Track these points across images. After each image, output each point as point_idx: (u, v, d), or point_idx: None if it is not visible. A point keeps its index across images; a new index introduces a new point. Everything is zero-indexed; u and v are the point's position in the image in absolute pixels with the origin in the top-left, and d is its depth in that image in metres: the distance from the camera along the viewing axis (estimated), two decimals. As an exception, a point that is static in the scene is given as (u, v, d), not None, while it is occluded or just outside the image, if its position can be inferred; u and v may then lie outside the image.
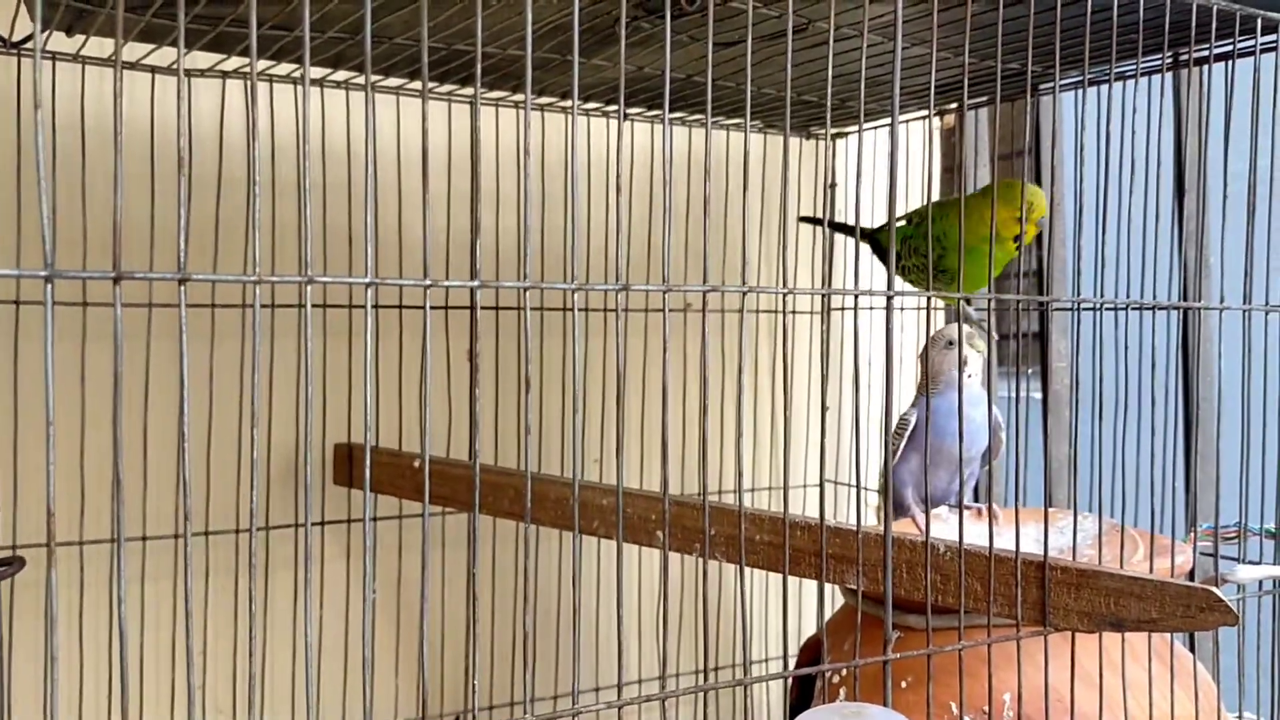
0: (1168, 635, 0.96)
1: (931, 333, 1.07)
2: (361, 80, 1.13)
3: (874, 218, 1.34)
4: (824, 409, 0.80)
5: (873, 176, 1.37)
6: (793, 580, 0.84)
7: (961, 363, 1.03)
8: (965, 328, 1.06)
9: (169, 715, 1.10)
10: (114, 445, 0.49)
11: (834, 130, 1.41)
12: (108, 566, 1.07)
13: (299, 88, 1.10)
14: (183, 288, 0.50)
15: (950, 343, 1.06)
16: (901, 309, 1.36)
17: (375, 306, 0.56)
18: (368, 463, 0.58)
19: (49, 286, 0.47)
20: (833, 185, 1.41)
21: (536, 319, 1.25)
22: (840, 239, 1.42)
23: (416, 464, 1.09)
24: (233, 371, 1.12)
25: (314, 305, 1.15)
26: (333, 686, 1.16)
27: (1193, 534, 0.98)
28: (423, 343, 0.59)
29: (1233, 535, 0.99)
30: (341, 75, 1.12)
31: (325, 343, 1.16)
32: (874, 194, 1.38)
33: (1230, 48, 1.02)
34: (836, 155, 1.41)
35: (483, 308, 1.18)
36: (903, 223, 1.18)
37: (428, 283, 0.57)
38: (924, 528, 1.01)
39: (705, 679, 0.69)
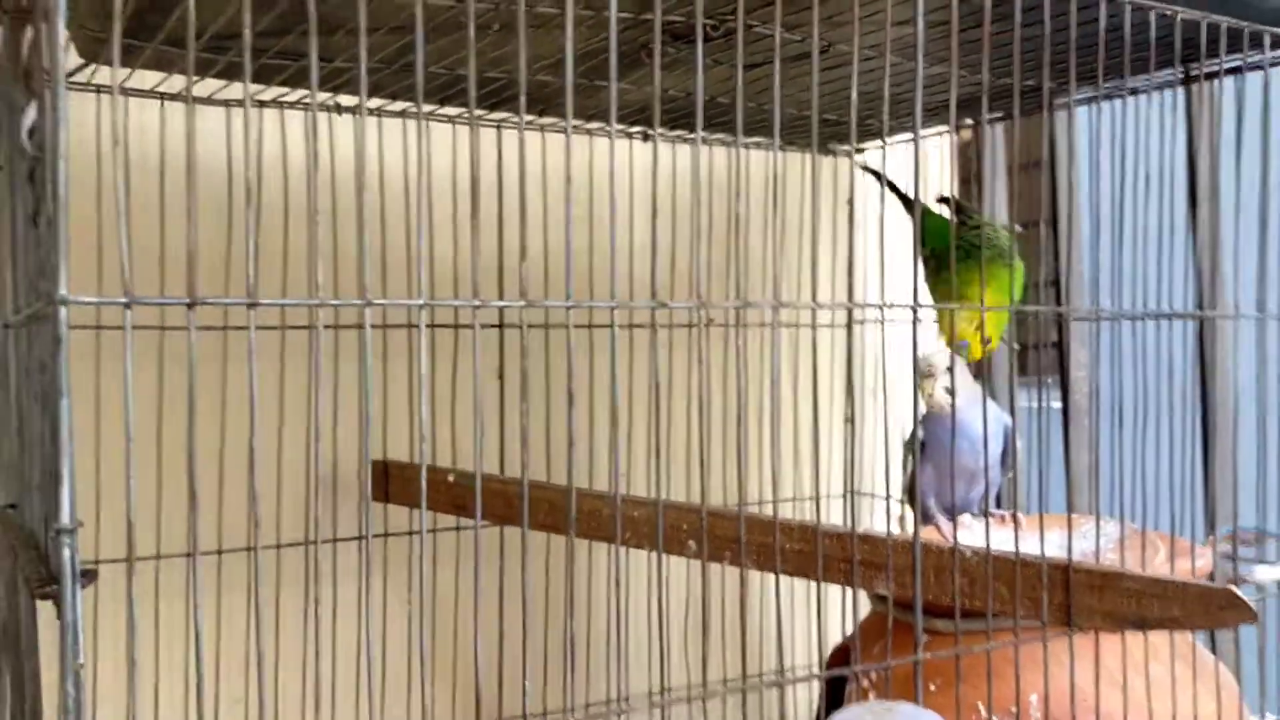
0: (1190, 637, 0.98)
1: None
2: (393, 108, 1.16)
3: (881, 234, 1.35)
4: (850, 420, 0.83)
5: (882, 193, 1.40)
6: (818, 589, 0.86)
7: (926, 395, 1.06)
8: (934, 358, 1.07)
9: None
10: (189, 464, 0.52)
11: (849, 147, 1.44)
12: (152, 582, 1.10)
13: (331, 116, 1.13)
14: (252, 311, 0.53)
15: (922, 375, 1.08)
16: (921, 321, 1.38)
17: (430, 326, 0.59)
18: (424, 480, 0.61)
19: (128, 313, 0.50)
20: (851, 201, 1.43)
21: (561, 335, 1.28)
22: (860, 252, 1.44)
23: (451, 479, 1.12)
24: (269, 392, 1.15)
25: (346, 326, 1.18)
26: (368, 695, 1.19)
27: (1212, 537, 1.00)
28: (473, 361, 0.62)
29: (1251, 538, 1.02)
30: (374, 103, 1.15)
31: (359, 362, 1.19)
32: (894, 208, 1.41)
33: (1240, 62, 1.04)
34: (856, 172, 1.44)
35: (510, 326, 1.21)
36: (945, 213, 1.20)
37: (477, 303, 0.60)
38: (946, 534, 1.04)
39: (744, 681, 0.71)
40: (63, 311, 0.49)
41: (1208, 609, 0.74)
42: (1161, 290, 0.97)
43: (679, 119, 1.27)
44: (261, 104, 1.12)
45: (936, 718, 0.66)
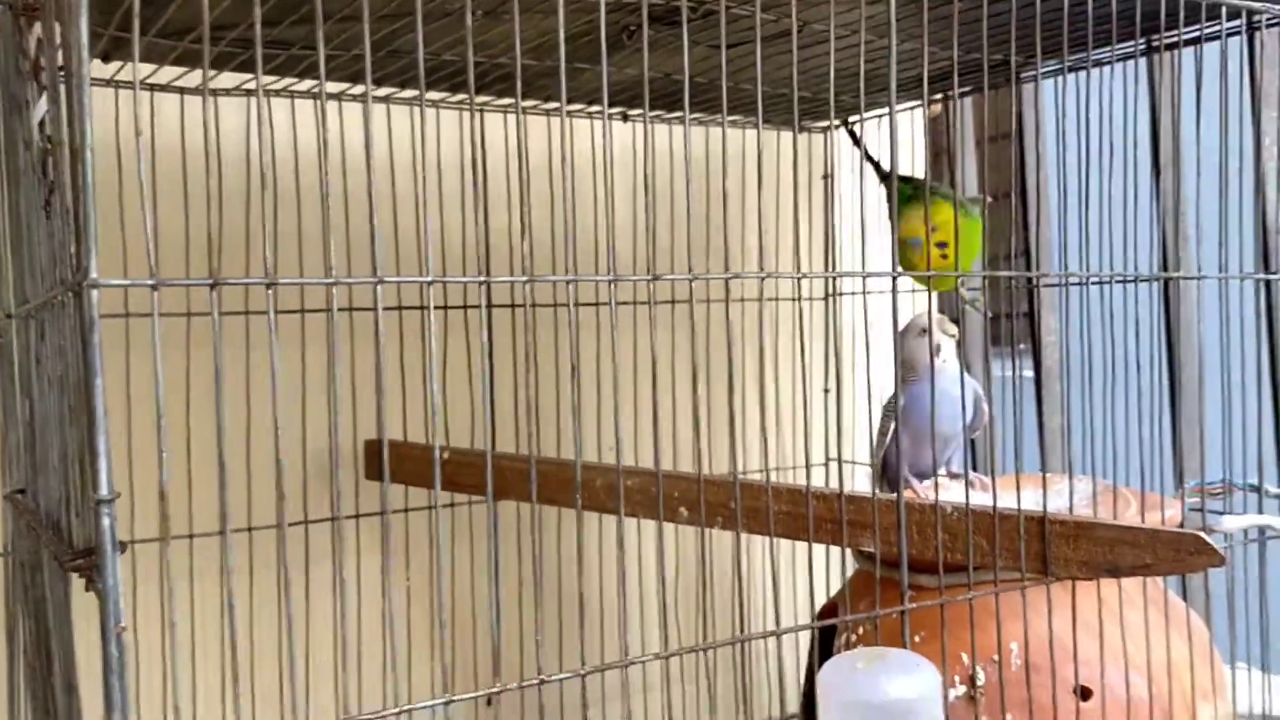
0: (1161, 584, 1.02)
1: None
2: (378, 93, 1.18)
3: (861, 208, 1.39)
4: (838, 390, 0.86)
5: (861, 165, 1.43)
6: (802, 550, 0.90)
7: (934, 350, 1.10)
8: (935, 314, 1.12)
9: (219, 704, 1.15)
10: (218, 443, 0.55)
11: (826, 124, 1.47)
12: (155, 563, 1.12)
13: (317, 103, 1.15)
14: (270, 291, 0.56)
15: (923, 331, 1.12)
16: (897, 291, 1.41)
17: (439, 307, 0.61)
18: (437, 459, 0.64)
19: (155, 295, 0.53)
20: (827, 176, 1.47)
21: (548, 314, 1.31)
22: (838, 225, 1.48)
23: (445, 455, 1.15)
24: (261, 376, 1.17)
25: (344, 309, 1.20)
26: (373, 671, 1.22)
27: (1181, 490, 1.05)
28: (481, 336, 0.64)
29: (1218, 491, 1.06)
30: (358, 89, 1.17)
31: (352, 344, 1.22)
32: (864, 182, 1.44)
33: (1198, 33, 1.08)
34: (831, 147, 1.48)
35: (499, 306, 1.24)
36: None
37: (481, 279, 0.63)
38: (921, 494, 1.08)
39: (742, 631, 0.75)
40: (94, 294, 0.52)
41: (1178, 554, 0.78)
42: (1128, 255, 1.01)
43: (653, 100, 1.30)
44: (248, 93, 1.14)
45: (925, 661, 0.70)
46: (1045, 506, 0.84)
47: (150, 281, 0.53)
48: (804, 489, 0.90)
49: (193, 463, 1.12)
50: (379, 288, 0.60)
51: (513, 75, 1.15)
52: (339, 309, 1.18)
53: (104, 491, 0.52)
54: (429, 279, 0.61)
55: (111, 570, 0.52)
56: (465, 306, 1.24)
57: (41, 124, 0.70)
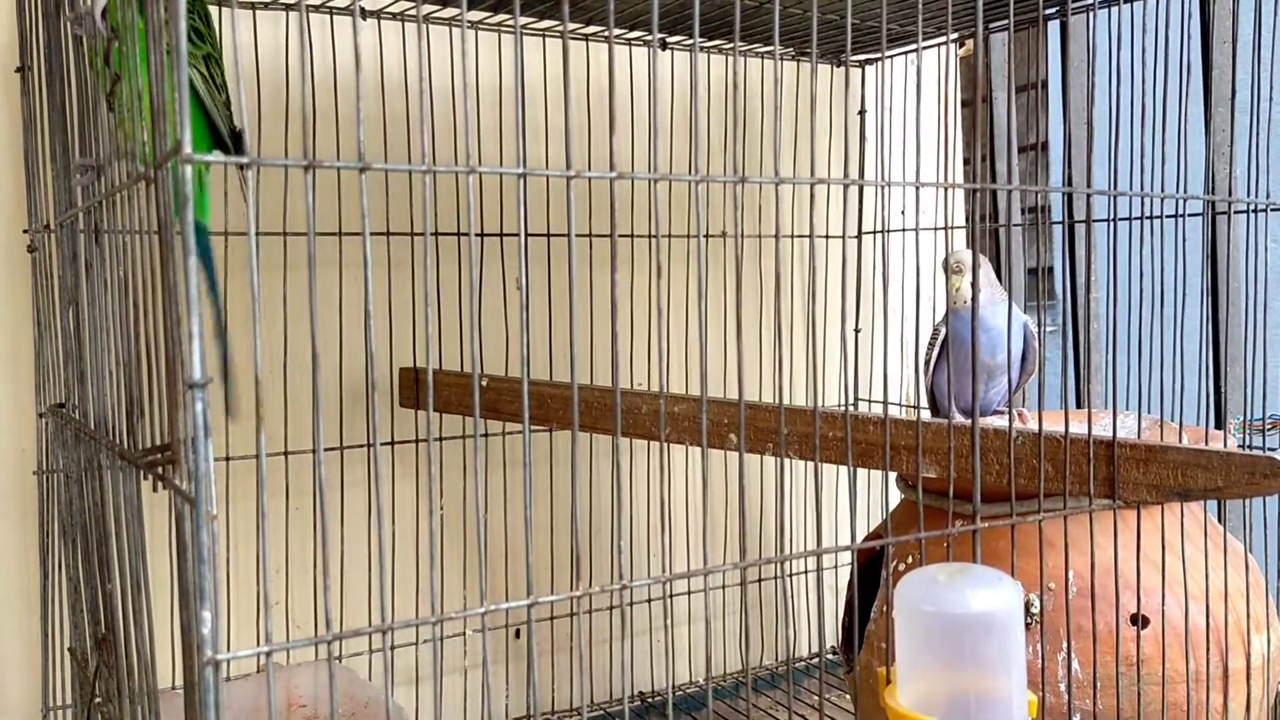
0: (1220, 526, 1.01)
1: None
2: (413, 10, 1.16)
3: (889, 148, 1.36)
4: (858, 330, 0.84)
5: (902, 103, 1.41)
6: (844, 487, 0.88)
7: (954, 290, 1.10)
8: (962, 255, 1.10)
9: (253, 627, 1.13)
10: (312, 345, 0.53)
11: (863, 57, 1.45)
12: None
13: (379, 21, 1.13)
14: (363, 176, 0.54)
15: (942, 269, 1.12)
16: (917, 230, 1.39)
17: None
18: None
19: (247, 172, 0.51)
20: (862, 111, 1.45)
21: (584, 245, 1.29)
22: (872, 160, 1.46)
23: (485, 383, 1.13)
24: (298, 301, 1.15)
25: (380, 233, 1.18)
26: (405, 596, 1.21)
27: (1231, 423, 1.04)
28: (567, 226, 0.63)
29: (1271, 426, 1.05)
30: (424, 10, 1.15)
31: (390, 272, 1.20)
32: (902, 119, 1.42)
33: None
34: (866, 81, 1.46)
35: (532, 235, 1.22)
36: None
37: (572, 173, 0.61)
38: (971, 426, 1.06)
39: (779, 552, 0.73)
40: (188, 170, 0.49)
41: (1251, 477, 0.77)
42: (1178, 191, 0.99)
43: (689, 29, 1.27)
44: (287, 8, 1.12)
45: (1006, 575, 0.69)
46: (1115, 427, 0.83)
47: (245, 159, 0.51)
48: (849, 414, 0.88)
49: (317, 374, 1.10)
50: (470, 177, 0.58)
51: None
52: (372, 233, 1.17)
53: (196, 375, 0.50)
54: (520, 170, 0.59)
55: (205, 456, 0.50)
56: (502, 235, 1.22)
57: (105, 13, 0.68)
